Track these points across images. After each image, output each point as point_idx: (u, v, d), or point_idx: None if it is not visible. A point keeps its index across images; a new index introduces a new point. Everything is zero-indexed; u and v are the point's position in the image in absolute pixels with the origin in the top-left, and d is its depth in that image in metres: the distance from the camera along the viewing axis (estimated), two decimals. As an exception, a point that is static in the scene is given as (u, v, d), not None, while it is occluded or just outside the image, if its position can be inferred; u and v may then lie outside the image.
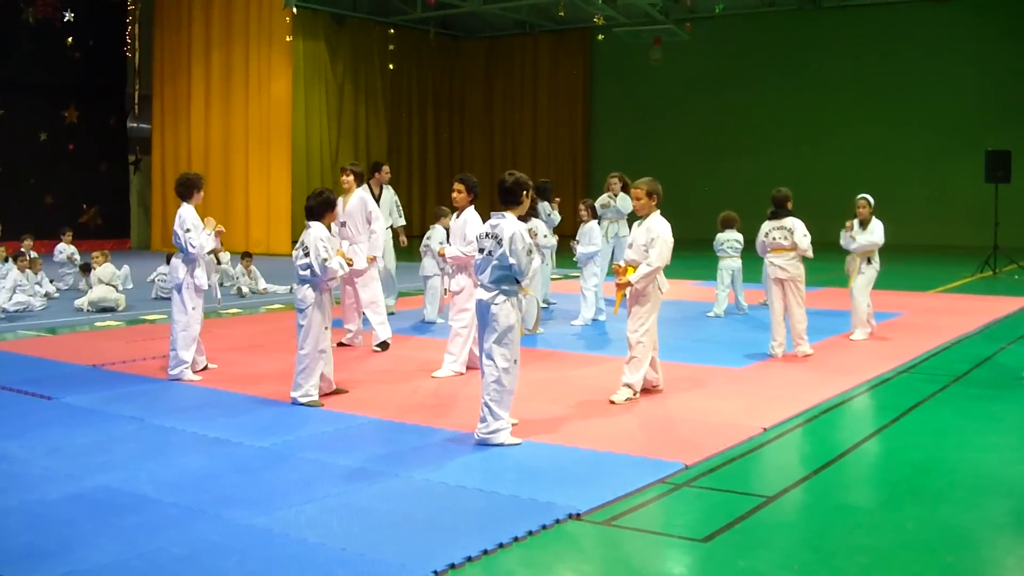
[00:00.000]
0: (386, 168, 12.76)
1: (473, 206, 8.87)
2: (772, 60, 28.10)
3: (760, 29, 28.23)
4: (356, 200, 10.23)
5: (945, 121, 25.73)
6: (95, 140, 25.60)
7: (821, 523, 5.01)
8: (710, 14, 27.42)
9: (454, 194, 8.84)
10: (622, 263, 7.79)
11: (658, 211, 7.71)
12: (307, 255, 7.56)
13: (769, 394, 7.88)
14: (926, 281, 16.69)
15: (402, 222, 12.81)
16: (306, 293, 7.56)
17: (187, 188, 8.79)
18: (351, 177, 10.32)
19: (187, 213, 8.62)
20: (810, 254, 9.62)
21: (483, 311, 6.52)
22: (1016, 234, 20.80)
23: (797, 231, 9.58)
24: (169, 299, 14.12)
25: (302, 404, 7.45)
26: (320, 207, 7.78)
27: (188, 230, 8.55)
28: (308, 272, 7.54)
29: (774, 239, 9.69)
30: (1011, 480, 5.72)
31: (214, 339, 10.02)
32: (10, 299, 12.97)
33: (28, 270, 13.75)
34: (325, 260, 7.50)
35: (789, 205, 9.79)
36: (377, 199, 11.95)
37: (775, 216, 9.79)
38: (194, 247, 8.54)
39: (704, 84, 29.16)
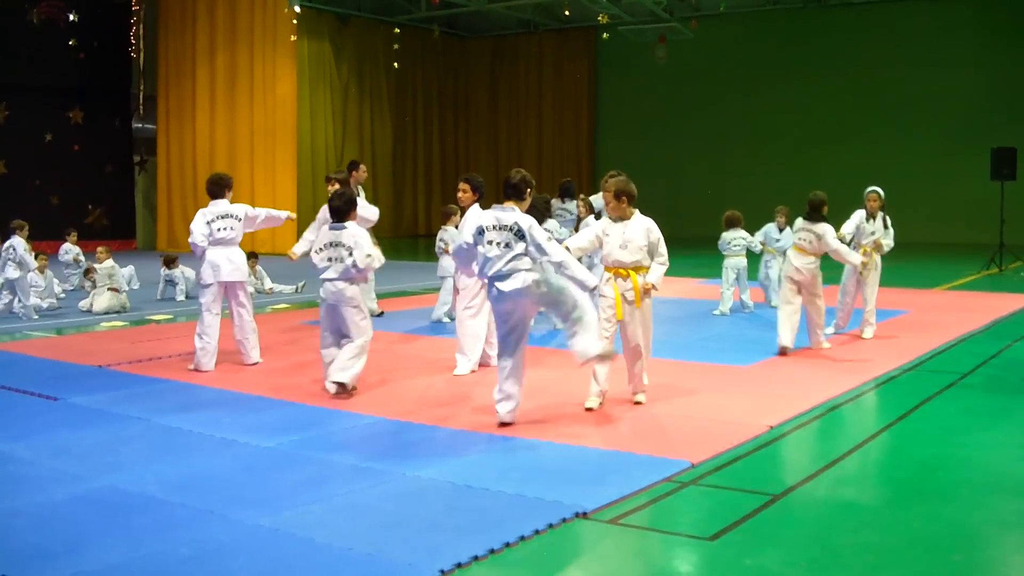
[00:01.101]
0: (363, 167, 12.74)
1: (478, 205, 8.88)
2: (777, 57, 28.04)
3: (765, 27, 28.17)
4: None
5: (951, 119, 25.65)
6: (100, 141, 25.64)
7: (828, 521, 5.01)
8: (715, 12, 27.40)
9: (459, 194, 8.91)
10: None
11: (637, 210, 7.49)
12: (351, 254, 7.81)
13: (775, 392, 7.87)
14: (932, 279, 16.67)
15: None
16: (354, 290, 7.89)
17: (220, 187, 9.44)
18: (336, 186, 10.35)
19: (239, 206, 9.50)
20: (847, 255, 9.85)
21: (518, 296, 6.66)
22: (1022, 232, 20.76)
23: (827, 235, 9.67)
24: (173, 299, 14.27)
25: (347, 386, 7.69)
26: (347, 206, 8.04)
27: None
28: (354, 270, 7.84)
29: (800, 239, 9.79)
30: (1018, 478, 5.71)
31: (219, 339, 10.02)
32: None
33: (48, 271, 13.78)
34: (369, 256, 7.88)
35: (824, 210, 9.87)
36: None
37: (809, 219, 9.87)
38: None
39: (709, 82, 29.11)
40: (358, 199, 11.75)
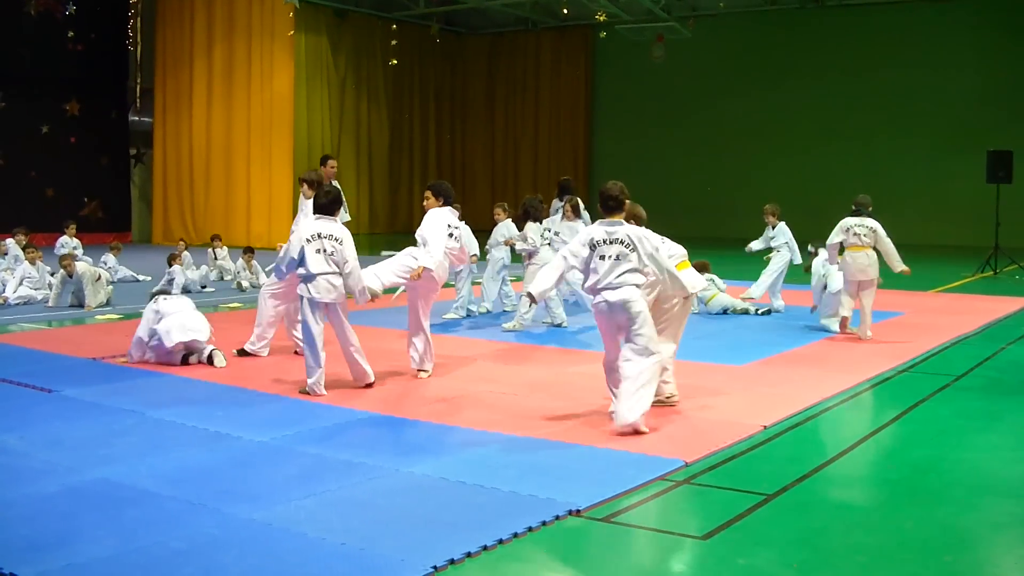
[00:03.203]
0: (332, 162, 12.60)
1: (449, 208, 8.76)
2: (775, 58, 28.08)
3: (762, 27, 28.21)
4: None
5: (947, 121, 25.71)
6: (97, 133, 25.63)
7: (820, 521, 5.01)
8: (712, 11, 27.43)
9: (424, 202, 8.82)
10: None
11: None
12: (341, 244, 7.75)
13: (769, 392, 7.88)
14: (927, 281, 16.67)
15: (347, 217, 12.47)
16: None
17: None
18: (304, 186, 10.14)
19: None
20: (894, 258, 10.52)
21: (618, 310, 6.55)
22: (1017, 234, 20.77)
23: (880, 229, 10.47)
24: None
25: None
26: (333, 204, 7.97)
27: None
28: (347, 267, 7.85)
29: (855, 235, 10.43)
30: (1011, 480, 5.72)
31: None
32: (15, 291, 13.00)
33: (40, 262, 13.70)
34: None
35: (869, 209, 10.67)
36: None
37: (857, 214, 10.56)
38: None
39: (707, 82, 29.14)
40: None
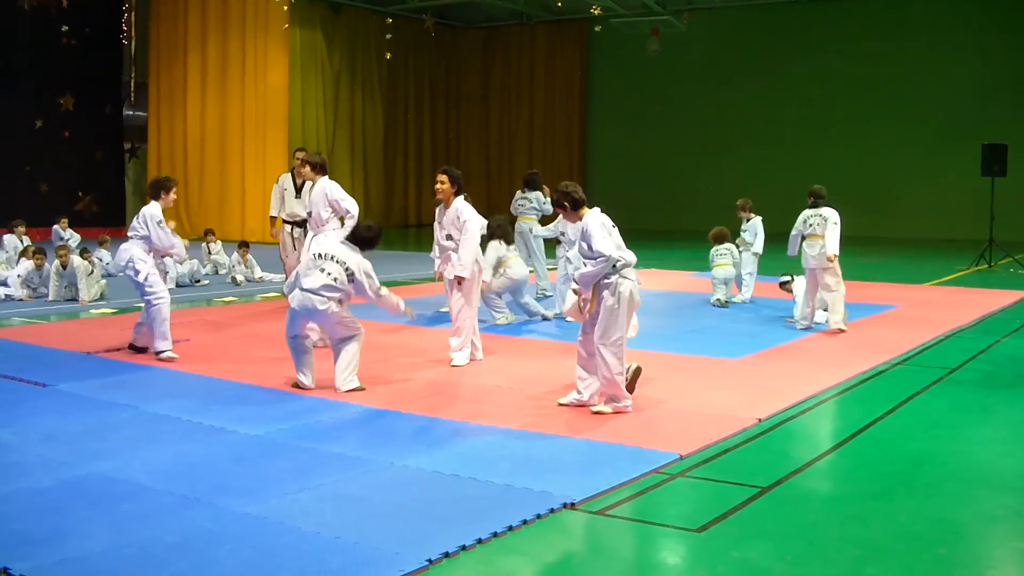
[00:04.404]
0: (299, 154, 12.62)
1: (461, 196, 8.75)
2: (770, 51, 28.03)
3: (758, 20, 28.16)
4: (318, 189, 10.24)
5: (942, 114, 25.68)
6: (91, 128, 25.54)
7: (814, 514, 5.02)
8: (708, 5, 27.40)
9: (438, 186, 8.72)
10: None
11: (590, 210, 7.03)
12: (350, 279, 7.59)
13: (764, 385, 7.89)
14: (921, 274, 16.70)
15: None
16: (332, 308, 7.61)
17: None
18: (307, 168, 10.14)
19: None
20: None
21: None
22: (1012, 228, 20.79)
23: (832, 217, 10.52)
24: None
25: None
26: (376, 239, 8.00)
27: None
28: (372, 295, 7.80)
29: (810, 225, 10.58)
30: (1004, 473, 5.74)
31: (209, 327, 10.01)
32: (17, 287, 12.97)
33: (45, 265, 13.57)
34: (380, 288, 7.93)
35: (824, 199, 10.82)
36: (299, 188, 12.12)
37: (815, 205, 10.69)
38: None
39: (702, 75, 29.09)
40: (295, 188, 11.77)
